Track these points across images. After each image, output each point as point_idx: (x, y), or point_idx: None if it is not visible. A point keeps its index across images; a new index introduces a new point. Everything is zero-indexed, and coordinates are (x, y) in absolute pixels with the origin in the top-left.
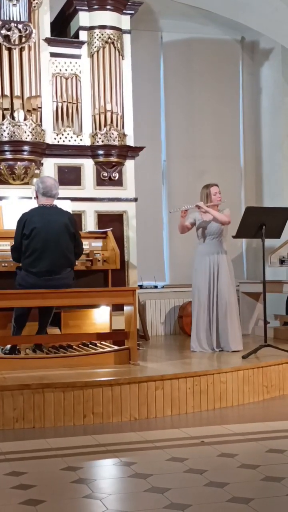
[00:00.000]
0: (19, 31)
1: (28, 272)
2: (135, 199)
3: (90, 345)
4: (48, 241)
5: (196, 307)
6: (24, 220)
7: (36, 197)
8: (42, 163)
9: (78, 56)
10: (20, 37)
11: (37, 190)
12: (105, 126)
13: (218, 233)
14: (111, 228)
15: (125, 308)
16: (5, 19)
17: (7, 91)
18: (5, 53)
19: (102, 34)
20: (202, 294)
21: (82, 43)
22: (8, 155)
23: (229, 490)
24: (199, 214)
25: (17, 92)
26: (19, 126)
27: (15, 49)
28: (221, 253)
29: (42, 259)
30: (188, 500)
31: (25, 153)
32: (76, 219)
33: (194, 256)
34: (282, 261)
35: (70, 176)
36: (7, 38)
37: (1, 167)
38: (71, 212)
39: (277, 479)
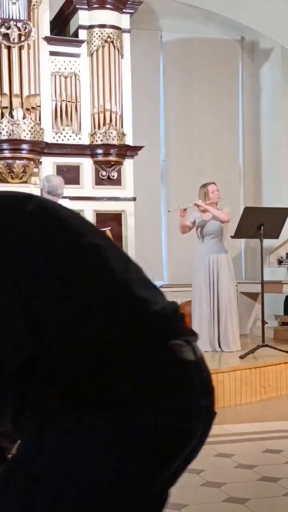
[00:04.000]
0: (19, 29)
1: None
2: (134, 199)
3: None
4: None
5: (197, 307)
6: None
7: (41, 195)
8: (41, 162)
9: (77, 55)
10: (20, 36)
11: (42, 188)
12: (104, 125)
13: (218, 232)
14: (110, 228)
15: None
16: (5, 17)
17: (6, 90)
18: (4, 52)
19: (102, 33)
20: (204, 294)
21: (82, 42)
22: (7, 154)
23: (226, 490)
24: (199, 213)
25: (16, 90)
26: (18, 124)
27: (14, 47)
28: (222, 252)
29: None
30: (184, 499)
31: (23, 151)
32: None
33: (195, 256)
34: (280, 261)
35: (69, 175)
36: (6, 36)
37: (0, 166)
38: None
39: (274, 479)
